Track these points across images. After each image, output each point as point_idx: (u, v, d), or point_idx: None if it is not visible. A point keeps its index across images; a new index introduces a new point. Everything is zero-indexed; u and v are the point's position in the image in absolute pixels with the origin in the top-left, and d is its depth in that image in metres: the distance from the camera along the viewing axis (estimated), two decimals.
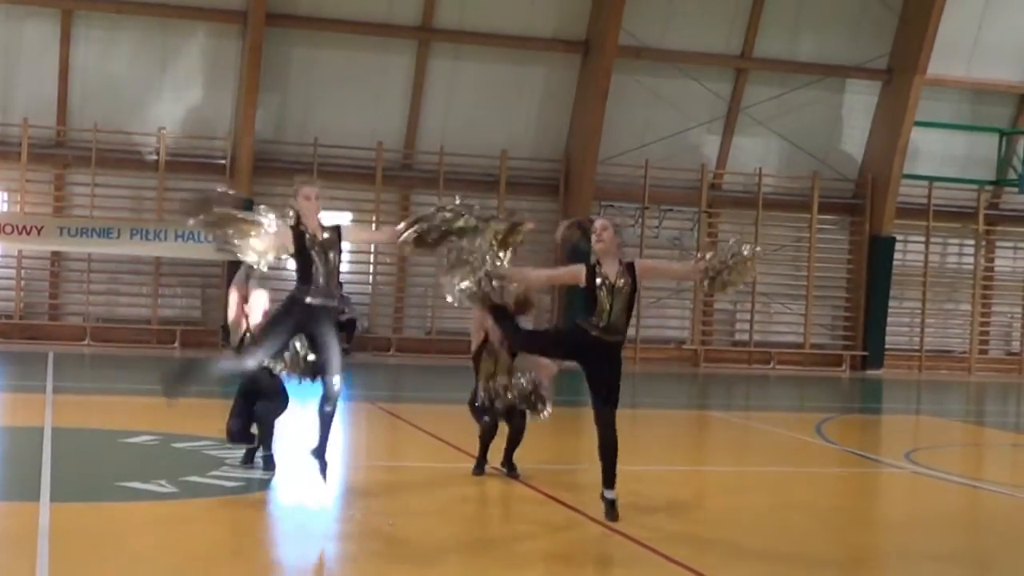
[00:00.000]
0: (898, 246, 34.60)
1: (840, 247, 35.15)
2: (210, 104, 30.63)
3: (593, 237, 11.38)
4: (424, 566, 9.53)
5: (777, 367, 33.56)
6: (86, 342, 29.80)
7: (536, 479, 12.99)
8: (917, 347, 35.37)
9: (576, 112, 32.14)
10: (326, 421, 11.20)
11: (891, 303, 34.56)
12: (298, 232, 11.42)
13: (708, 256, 11.45)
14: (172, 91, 30.53)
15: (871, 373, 33.66)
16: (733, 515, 12.19)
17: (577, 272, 11.41)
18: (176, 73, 30.53)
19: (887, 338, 34.50)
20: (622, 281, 11.26)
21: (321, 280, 11.50)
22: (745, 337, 34.15)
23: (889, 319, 34.52)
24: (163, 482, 11.97)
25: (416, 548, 10.03)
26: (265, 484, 12.34)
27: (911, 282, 35.31)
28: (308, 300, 11.43)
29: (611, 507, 11.22)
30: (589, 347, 11.44)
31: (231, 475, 12.58)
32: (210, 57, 30.57)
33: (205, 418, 17.76)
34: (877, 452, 18.64)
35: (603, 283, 11.21)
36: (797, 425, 20.79)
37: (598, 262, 11.32)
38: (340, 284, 11.90)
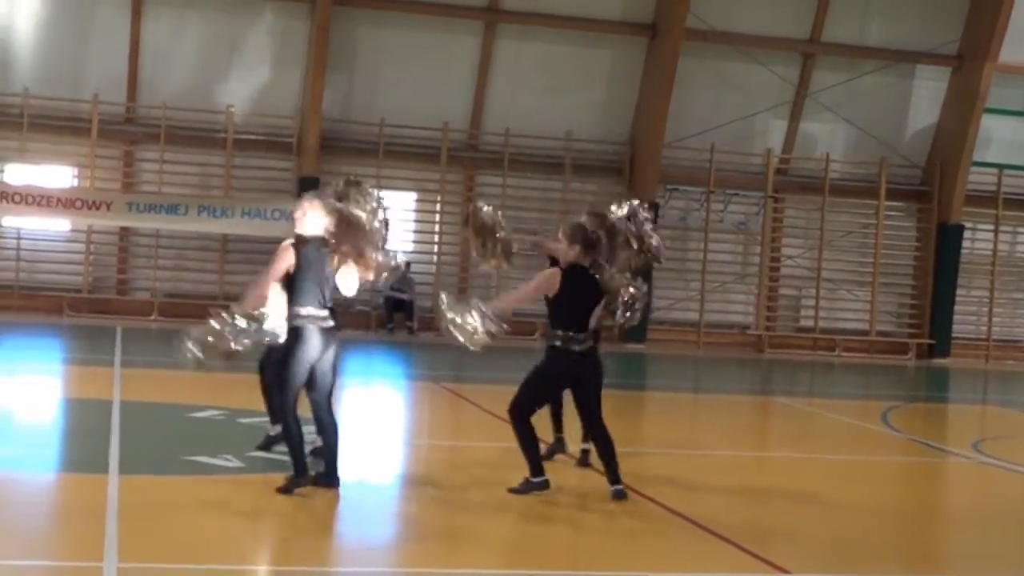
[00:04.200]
0: (966, 234, 34.35)
1: (907, 234, 34.92)
2: (278, 83, 30.76)
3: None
4: (486, 545, 9.57)
5: (842, 354, 33.40)
6: (153, 317, 30.03)
7: (596, 460, 12.98)
8: (984, 336, 35.11)
9: (642, 95, 32.06)
10: None
11: (958, 291, 34.31)
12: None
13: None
14: (240, 70, 30.69)
15: (937, 362, 33.45)
16: (796, 502, 12.15)
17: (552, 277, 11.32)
18: (245, 52, 30.68)
19: (954, 327, 34.26)
20: None
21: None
22: (810, 323, 33.99)
23: (956, 307, 34.28)
24: (229, 456, 12.07)
25: (477, 527, 10.06)
26: None
27: (979, 270, 35.05)
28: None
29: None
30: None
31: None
32: (278, 36, 30.70)
33: None
34: (943, 441, 18.54)
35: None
36: (862, 413, 20.71)
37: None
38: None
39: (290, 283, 10.51)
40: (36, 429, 14.18)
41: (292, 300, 10.50)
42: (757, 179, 33.08)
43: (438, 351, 28.06)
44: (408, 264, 30.91)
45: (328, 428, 10.91)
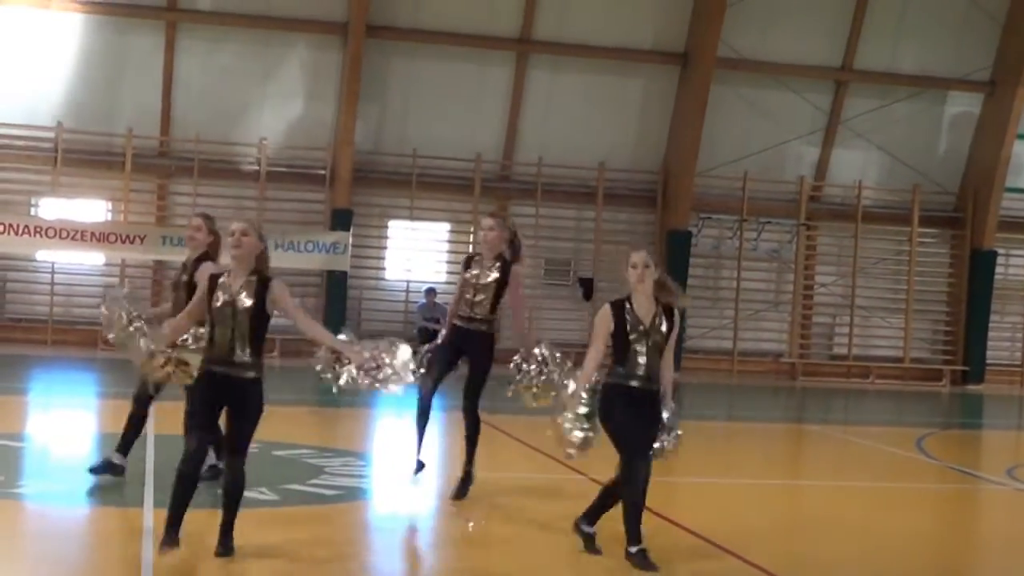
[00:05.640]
0: (1000, 260, 34.23)
1: (941, 261, 34.81)
2: (310, 115, 30.89)
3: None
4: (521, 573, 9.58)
5: (876, 381, 33.27)
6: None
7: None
8: (1019, 362, 34.97)
9: (674, 124, 32.08)
10: None
11: (992, 317, 34.18)
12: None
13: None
14: (273, 102, 30.83)
15: (972, 388, 33.30)
16: (831, 530, 12.12)
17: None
18: (277, 84, 30.82)
19: (988, 353, 34.12)
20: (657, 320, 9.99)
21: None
22: (844, 351, 33.90)
23: (990, 333, 34.14)
24: (264, 489, 12.08)
25: (512, 555, 10.06)
26: (364, 492, 12.43)
27: (1013, 296, 34.93)
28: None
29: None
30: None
31: (331, 483, 12.69)
32: (310, 69, 30.83)
33: (305, 426, 17.95)
34: (978, 468, 18.46)
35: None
36: (897, 440, 20.62)
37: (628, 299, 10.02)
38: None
39: (264, 324, 9.60)
40: (72, 463, 14.23)
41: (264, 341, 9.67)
42: (790, 207, 33.05)
43: None
44: (434, 291, 30.78)
45: None
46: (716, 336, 33.15)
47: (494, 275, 12.12)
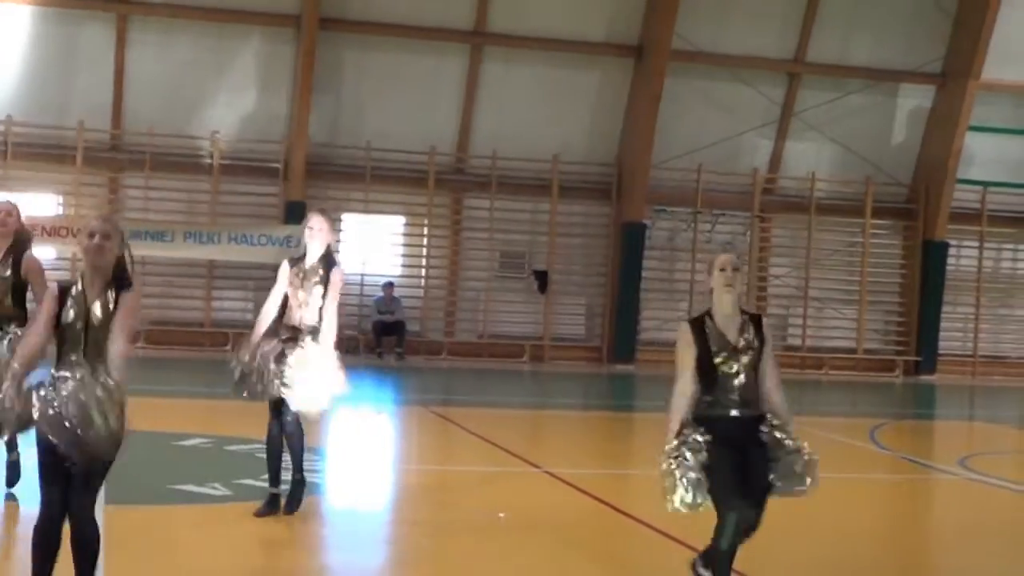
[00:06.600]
0: (951, 251, 34.39)
1: (893, 252, 34.97)
2: (264, 108, 30.76)
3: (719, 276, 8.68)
4: (473, 570, 9.55)
5: (829, 372, 33.40)
6: (139, 345, 29.93)
7: (587, 483, 12.98)
8: (971, 352, 35.16)
9: (629, 116, 32.11)
10: None
11: (944, 308, 34.35)
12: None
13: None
14: (226, 95, 30.68)
15: (924, 378, 33.47)
16: (786, 522, 12.14)
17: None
18: (230, 77, 30.67)
19: (940, 343, 34.30)
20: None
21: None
22: (797, 342, 34.00)
23: (943, 324, 34.31)
24: (217, 485, 12.04)
25: (465, 551, 10.05)
26: (318, 487, 12.39)
27: (965, 287, 35.09)
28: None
29: None
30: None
31: (284, 478, 12.61)
32: (264, 61, 30.70)
33: (257, 421, 17.88)
34: (930, 458, 18.57)
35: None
36: (850, 431, 20.71)
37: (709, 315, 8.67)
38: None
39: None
40: (22, 464, 14.14)
41: None
42: (744, 199, 33.13)
43: (427, 375, 28.08)
44: (391, 284, 30.80)
45: None
46: (671, 328, 33.12)
47: (316, 278, 10.81)
